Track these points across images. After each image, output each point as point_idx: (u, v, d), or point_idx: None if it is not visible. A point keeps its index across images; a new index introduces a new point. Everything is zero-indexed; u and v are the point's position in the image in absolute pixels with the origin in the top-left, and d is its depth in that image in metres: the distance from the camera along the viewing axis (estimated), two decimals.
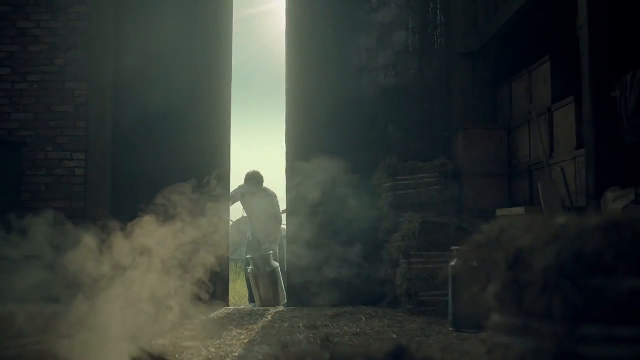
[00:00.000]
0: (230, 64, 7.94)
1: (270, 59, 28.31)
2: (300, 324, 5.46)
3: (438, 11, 8.04)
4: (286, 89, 7.98)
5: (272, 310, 6.87)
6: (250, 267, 7.80)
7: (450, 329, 5.33)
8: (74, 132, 7.46)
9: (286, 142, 7.89)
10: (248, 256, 8.11)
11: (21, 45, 7.49)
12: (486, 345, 1.57)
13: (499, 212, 5.75)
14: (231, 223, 13.23)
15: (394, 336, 4.86)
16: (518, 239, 1.45)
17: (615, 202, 4.61)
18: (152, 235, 4.30)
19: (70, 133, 7.46)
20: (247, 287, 8.55)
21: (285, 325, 5.50)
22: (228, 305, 7.47)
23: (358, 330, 5.00)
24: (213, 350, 4.30)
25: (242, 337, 4.89)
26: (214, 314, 6.47)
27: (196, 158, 7.65)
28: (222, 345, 4.48)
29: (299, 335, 4.81)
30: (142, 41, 7.72)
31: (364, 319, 5.85)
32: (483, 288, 1.62)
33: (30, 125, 7.43)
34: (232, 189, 8.15)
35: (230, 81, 7.93)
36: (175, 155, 7.62)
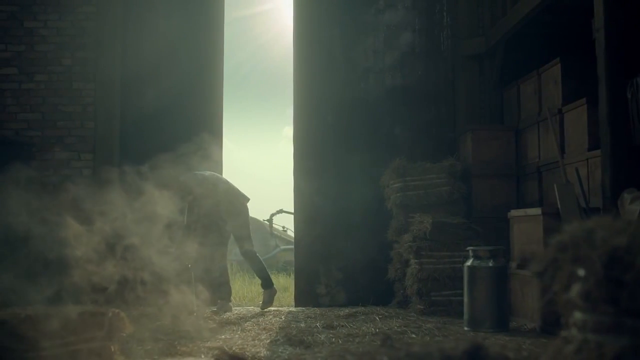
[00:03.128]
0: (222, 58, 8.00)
1: (265, 60, 28.37)
2: (318, 324, 5.48)
3: (444, 13, 8.10)
4: (293, 89, 8.01)
5: (284, 310, 6.88)
6: None
7: (466, 328, 5.38)
8: (81, 132, 7.44)
9: (293, 142, 7.91)
10: None
11: (28, 45, 7.46)
12: (572, 344, 1.60)
13: (514, 212, 5.80)
14: None
15: (413, 336, 4.89)
16: (611, 239, 1.48)
17: (633, 203, 4.66)
18: None
19: (78, 133, 7.44)
20: None
21: (302, 325, 5.51)
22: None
23: (377, 331, 5.03)
24: (237, 350, 4.31)
25: (262, 337, 4.90)
26: (226, 314, 6.46)
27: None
28: (245, 346, 4.49)
29: (319, 335, 4.83)
30: (149, 40, 7.71)
31: (377, 318, 5.87)
32: (565, 287, 1.65)
33: (37, 125, 7.40)
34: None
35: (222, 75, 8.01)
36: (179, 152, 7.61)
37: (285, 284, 10.85)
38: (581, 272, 1.57)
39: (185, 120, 7.70)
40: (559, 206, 5.00)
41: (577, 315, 1.63)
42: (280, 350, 4.32)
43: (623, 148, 4.96)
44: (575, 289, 1.59)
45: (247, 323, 5.77)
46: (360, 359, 1.92)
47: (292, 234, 16.26)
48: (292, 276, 11.87)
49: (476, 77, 7.85)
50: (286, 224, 16.83)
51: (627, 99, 5.25)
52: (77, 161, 7.40)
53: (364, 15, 8.03)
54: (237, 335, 4.99)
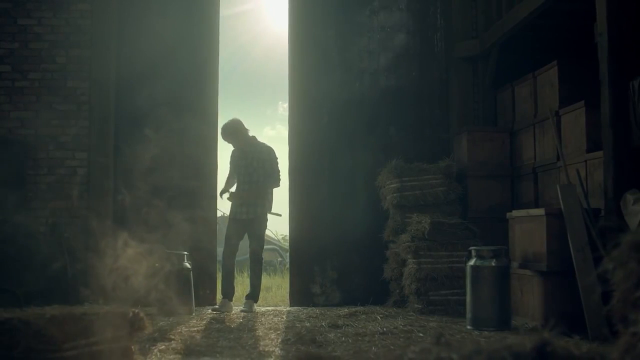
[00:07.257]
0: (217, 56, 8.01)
1: (246, 60, 28.23)
2: (323, 323, 5.51)
3: (438, 15, 8.18)
4: (288, 90, 8.03)
5: (282, 310, 6.89)
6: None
7: (469, 327, 5.45)
8: (75, 131, 7.36)
9: (289, 142, 7.93)
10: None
11: (22, 43, 7.36)
12: None
13: (515, 213, 5.88)
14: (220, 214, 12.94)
15: (420, 335, 4.94)
16: None
17: (636, 204, 4.77)
18: None
19: (72, 132, 7.36)
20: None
21: (308, 325, 5.53)
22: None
23: (384, 330, 5.07)
24: (251, 350, 4.32)
25: (271, 336, 4.91)
26: (225, 313, 6.45)
27: (195, 153, 7.66)
28: (258, 345, 4.50)
29: (328, 335, 4.86)
30: (144, 38, 7.66)
31: (379, 318, 5.92)
32: (636, 284, 1.71)
33: (31, 123, 7.31)
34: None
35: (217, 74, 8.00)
36: (176, 152, 7.57)
37: (267, 283, 10.83)
38: None
39: (181, 119, 7.66)
40: (562, 207, 5.09)
41: None
42: (293, 349, 4.34)
43: (624, 150, 5.07)
44: None
45: (251, 323, 5.77)
46: (424, 358, 1.95)
47: (272, 235, 16.30)
48: (273, 276, 11.92)
49: (470, 79, 7.95)
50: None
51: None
52: (72, 160, 7.32)
53: (358, 17, 8.08)
54: (245, 335, 4.99)
